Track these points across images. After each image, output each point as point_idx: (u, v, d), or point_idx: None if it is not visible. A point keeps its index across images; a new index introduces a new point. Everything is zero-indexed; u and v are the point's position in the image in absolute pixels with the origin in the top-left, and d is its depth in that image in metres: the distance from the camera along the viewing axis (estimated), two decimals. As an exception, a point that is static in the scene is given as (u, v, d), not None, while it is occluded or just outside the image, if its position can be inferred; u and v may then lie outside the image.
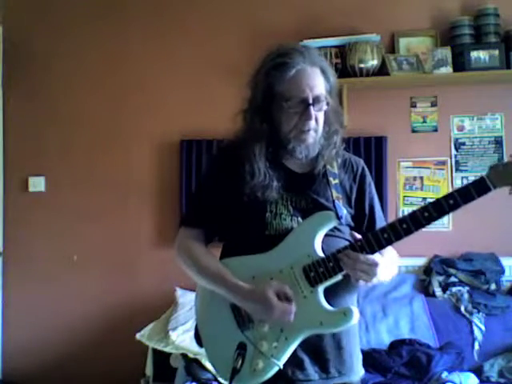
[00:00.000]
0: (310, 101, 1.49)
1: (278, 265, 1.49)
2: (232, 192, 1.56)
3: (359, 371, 1.62)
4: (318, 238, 1.48)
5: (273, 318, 1.44)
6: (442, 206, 1.39)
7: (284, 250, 1.50)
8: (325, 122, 1.55)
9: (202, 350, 1.65)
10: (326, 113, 1.55)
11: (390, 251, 1.61)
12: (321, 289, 1.46)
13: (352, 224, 1.59)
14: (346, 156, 1.66)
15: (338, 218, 1.51)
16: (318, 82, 1.50)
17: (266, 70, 1.52)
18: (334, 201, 1.54)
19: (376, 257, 1.43)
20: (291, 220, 1.53)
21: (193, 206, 1.69)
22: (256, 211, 1.53)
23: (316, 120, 1.51)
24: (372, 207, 1.63)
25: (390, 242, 1.42)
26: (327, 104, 1.52)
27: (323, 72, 1.52)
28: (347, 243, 1.54)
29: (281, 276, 1.48)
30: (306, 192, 1.56)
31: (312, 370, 1.51)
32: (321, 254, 1.46)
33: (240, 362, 1.46)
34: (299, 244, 1.48)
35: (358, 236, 1.45)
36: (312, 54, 1.53)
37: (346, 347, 1.55)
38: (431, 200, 1.40)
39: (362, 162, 1.69)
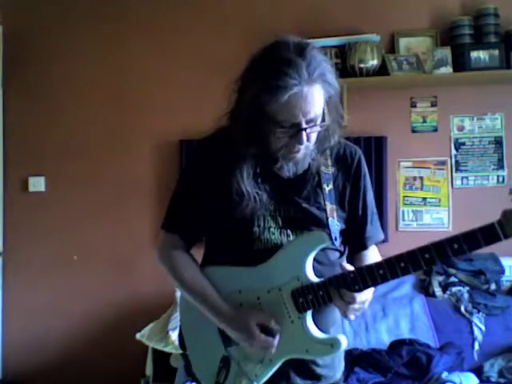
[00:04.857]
0: (303, 126, 1.33)
1: (266, 284, 1.42)
2: (216, 198, 1.47)
3: (341, 368, 1.60)
4: (308, 260, 1.39)
5: (253, 347, 1.40)
6: (444, 249, 1.25)
7: (273, 268, 1.42)
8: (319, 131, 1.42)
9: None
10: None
11: (374, 254, 1.58)
12: (309, 314, 1.40)
13: (343, 226, 1.52)
14: (341, 148, 1.53)
15: (331, 238, 1.43)
16: (315, 104, 1.33)
17: (254, 90, 1.33)
18: (327, 218, 1.45)
19: (366, 291, 1.37)
20: (280, 233, 1.45)
21: (172, 209, 1.57)
22: (243, 226, 1.45)
23: (308, 139, 1.37)
24: (365, 206, 1.54)
25: (385, 280, 1.32)
26: (323, 120, 1.38)
27: (323, 84, 1.33)
28: (338, 254, 1.51)
29: (268, 296, 1.42)
30: (295, 200, 1.46)
31: (297, 379, 1.49)
32: (311, 278, 1.39)
33: (223, 376, 1.44)
34: (289, 264, 1.40)
35: (349, 267, 1.37)
36: (311, 63, 1.31)
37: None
38: (432, 241, 1.28)
39: (358, 153, 1.55)
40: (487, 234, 1.22)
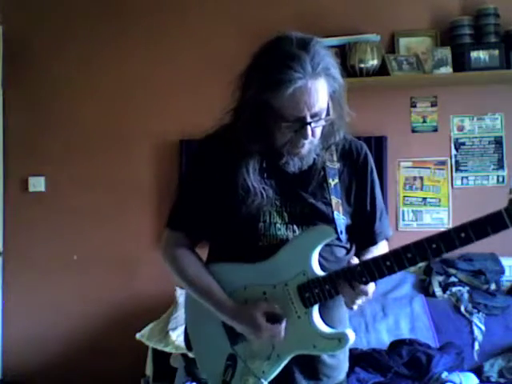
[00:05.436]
0: (308, 119, 1.33)
1: (272, 279, 1.42)
2: (221, 195, 1.46)
3: (346, 368, 1.60)
4: (314, 254, 1.39)
5: (261, 339, 1.40)
6: (451, 238, 1.24)
7: (279, 263, 1.41)
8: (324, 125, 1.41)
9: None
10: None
11: (382, 250, 1.56)
12: (315, 308, 1.40)
13: (349, 222, 1.50)
14: (347, 144, 1.53)
15: (337, 232, 1.42)
16: (319, 97, 1.32)
17: (259, 84, 1.33)
18: (333, 212, 1.44)
19: (371, 286, 1.36)
20: (286, 229, 1.44)
21: (177, 207, 1.56)
22: (248, 222, 1.44)
23: (313, 134, 1.36)
24: (373, 201, 1.53)
25: (392, 272, 1.31)
26: (328, 115, 1.38)
27: (327, 78, 1.34)
28: (344, 251, 1.50)
29: (274, 291, 1.41)
30: (301, 195, 1.46)
31: (300, 378, 1.48)
32: (317, 272, 1.38)
33: (230, 374, 1.44)
34: (295, 259, 1.40)
35: (354, 260, 1.37)
36: (315, 57, 1.31)
37: (336, 354, 1.51)
38: (439, 231, 1.27)
39: (363, 148, 1.56)
40: (494, 222, 1.21)
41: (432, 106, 3.41)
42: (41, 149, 3.63)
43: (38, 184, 3.62)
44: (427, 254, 1.27)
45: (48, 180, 3.62)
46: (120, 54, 3.59)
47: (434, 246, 1.26)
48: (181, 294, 3.19)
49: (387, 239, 1.60)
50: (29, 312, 3.62)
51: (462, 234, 1.24)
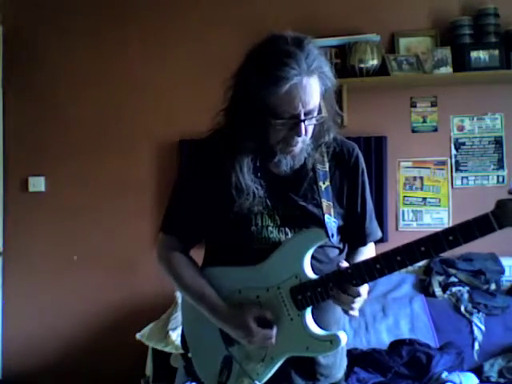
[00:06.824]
0: (302, 117, 1.33)
1: (265, 282, 1.43)
2: (213, 198, 1.47)
3: (344, 366, 1.60)
4: (306, 257, 1.40)
5: (253, 343, 1.41)
6: (440, 241, 1.26)
7: (271, 267, 1.43)
8: (315, 124, 1.41)
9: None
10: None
11: (372, 251, 1.58)
12: (308, 311, 1.41)
13: (341, 223, 1.51)
14: (338, 146, 1.52)
15: (328, 235, 1.42)
16: (313, 94, 1.33)
17: (254, 81, 1.33)
18: (323, 215, 1.45)
19: (364, 287, 1.37)
20: (278, 232, 1.45)
21: (170, 211, 1.57)
22: (241, 225, 1.45)
23: (306, 131, 1.36)
24: (364, 203, 1.54)
25: (382, 274, 1.32)
26: (319, 112, 1.38)
27: (320, 76, 1.35)
28: (337, 251, 1.51)
29: (267, 294, 1.43)
30: (292, 198, 1.46)
31: (297, 378, 1.49)
32: (309, 275, 1.39)
33: (225, 376, 1.45)
34: (287, 263, 1.41)
35: (344, 264, 1.37)
36: (310, 55, 1.32)
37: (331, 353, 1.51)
38: (428, 234, 1.28)
39: (355, 150, 1.55)
40: (482, 225, 1.22)
41: (432, 105, 3.41)
42: (41, 149, 3.63)
43: (37, 184, 3.62)
44: (416, 257, 1.28)
45: (48, 180, 3.62)
46: (120, 54, 3.59)
47: (422, 248, 1.27)
48: (181, 295, 3.19)
49: (375, 241, 1.61)
50: (29, 312, 3.62)
51: (450, 237, 1.25)
